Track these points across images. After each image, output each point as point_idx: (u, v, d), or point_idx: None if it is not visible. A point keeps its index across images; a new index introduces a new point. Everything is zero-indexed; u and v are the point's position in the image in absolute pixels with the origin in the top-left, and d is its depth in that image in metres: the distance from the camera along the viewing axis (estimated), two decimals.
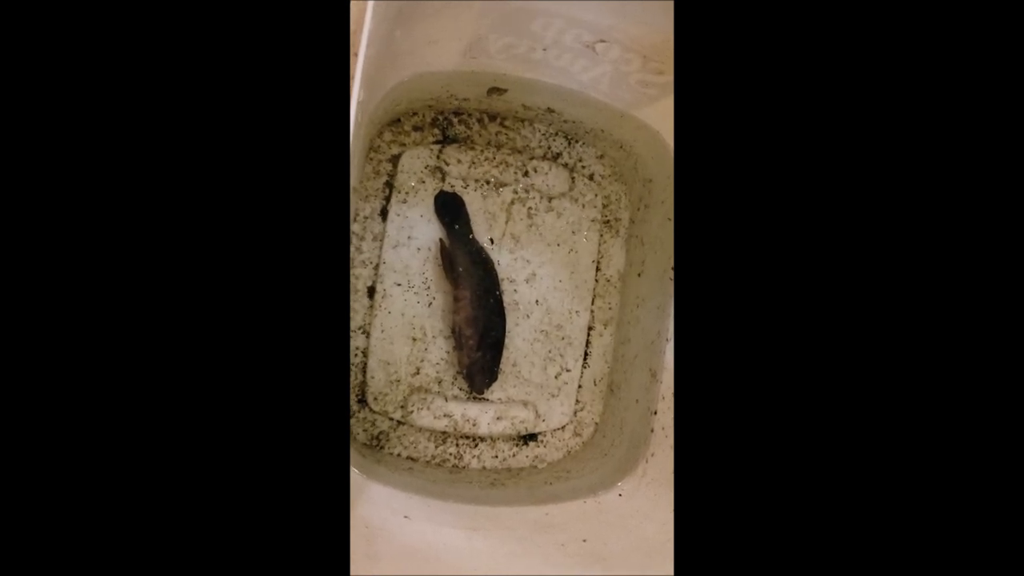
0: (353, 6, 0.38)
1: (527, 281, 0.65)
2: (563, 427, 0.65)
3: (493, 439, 0.63)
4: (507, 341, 0.64)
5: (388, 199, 0.63)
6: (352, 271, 0.62)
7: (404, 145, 0.64)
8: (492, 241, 0.65)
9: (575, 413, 0.65)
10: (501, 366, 0.63)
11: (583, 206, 0.66)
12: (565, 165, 0.66)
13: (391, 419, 0.62)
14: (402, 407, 0.62)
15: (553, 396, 0.65)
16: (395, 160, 0.64)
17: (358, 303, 0.62)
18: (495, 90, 0.61)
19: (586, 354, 0.66)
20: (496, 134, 0.66)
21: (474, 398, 0.63)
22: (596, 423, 0.65)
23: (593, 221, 0.66)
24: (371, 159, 0.63)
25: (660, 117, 0.58)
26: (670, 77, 0.53)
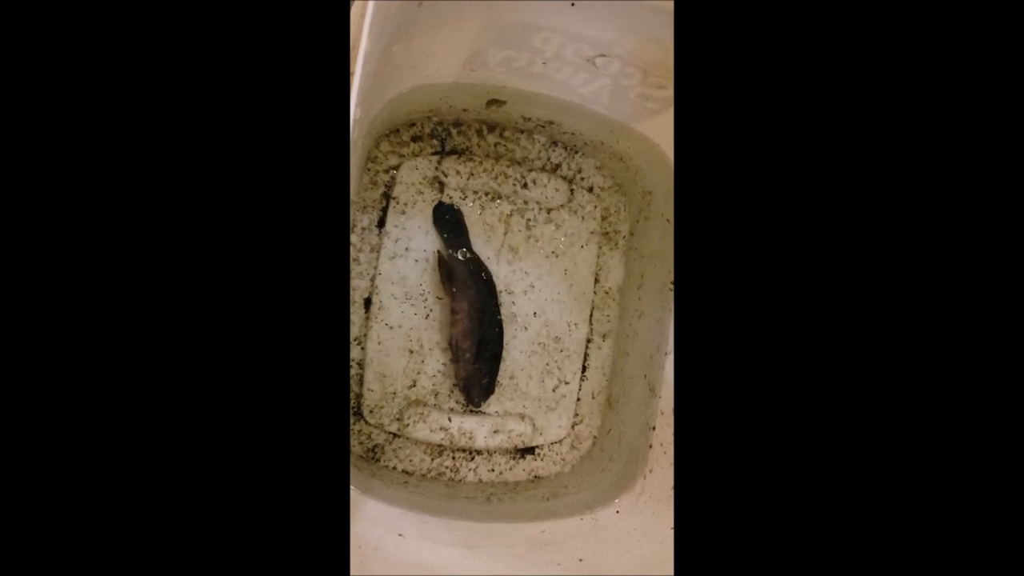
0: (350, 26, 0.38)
1: (525, 293, 0.65)
2: (560, 441, 0.64)
3: (490, 452, 0.63)
4: (504, 353, 0.63)
5: (386, 210, 0.63)
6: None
7: (403, 156, 0.64)
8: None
9: (573, 427, 0.65)
10: (498, 379, 0.63)
11: (582, 218, 0.66)
12: (564, 177, 0.66)
13: (387, 432, 0.61)
14: (398, 420, 0.61)
15: (551, 409, 0.64)
16: (393, 171, 0.63)
17: (354, 314, 0.62)
18: (494, 102, 0.61)
19: (584, 367, 0.65)
20: (495, 145, 0.65)
21: (471, 411, 0.63)
22: (594, 437, 0.65)
23: (592, 233, 0.66)
24: (369, 170, 0.63)
25: (660, 130, 0.58)
26: (670, 92, 0.53)
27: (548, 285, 0.65)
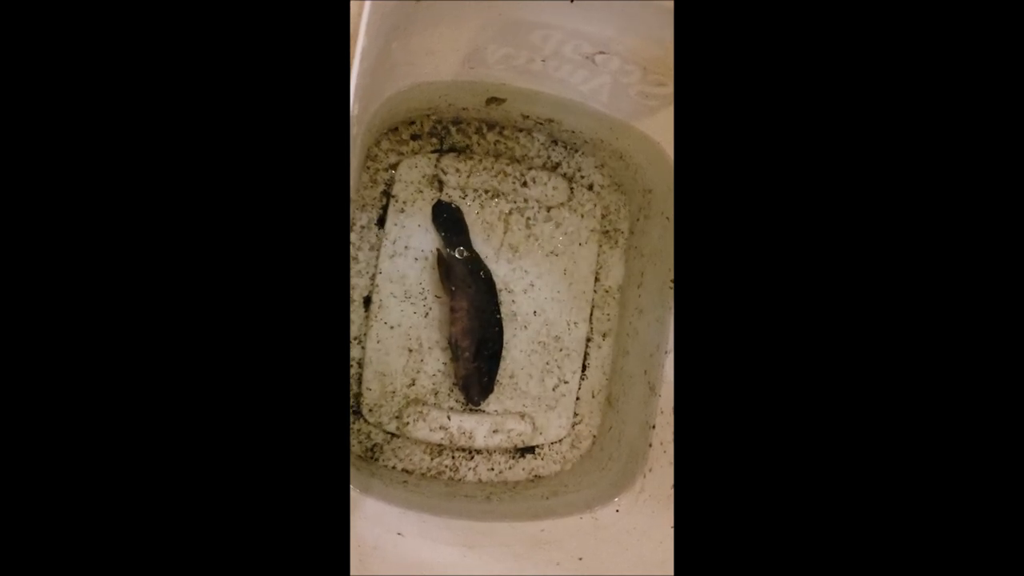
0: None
1: (525, 292, 0.64)
2: (560, 440, 0.64)
3: (489, 452, 0.63)
4: (504, 352, 0.63)
5: (385, 208, 0.63)
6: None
7: (402, 154, 0.64)
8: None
9: (572, 426, 0.65)
10: (498, 378, 0.63)
11: (582, 216, 0.66)
12: (564, 175, 0.66)
13: (386, 431, 0.61)
14: (397, 419, 0.61)
15: (550, 408, 0.64)
16: (393, 169, 0.63)
17: (354, 313, 0.62)
18: (494, 100, 0.60)
19: (584, 366, 0.65)
20: (495, 143, 0.65)
21: (470, 410, 0.63)
22: (594, 436, 0.65)
23: (592, 231, 0.66)
24: (368, 168, 0.63)
25: (661, 128, 0.58)
26: (670, 89, 0.53)
27: (548, 284, 0.65)
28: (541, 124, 0.64)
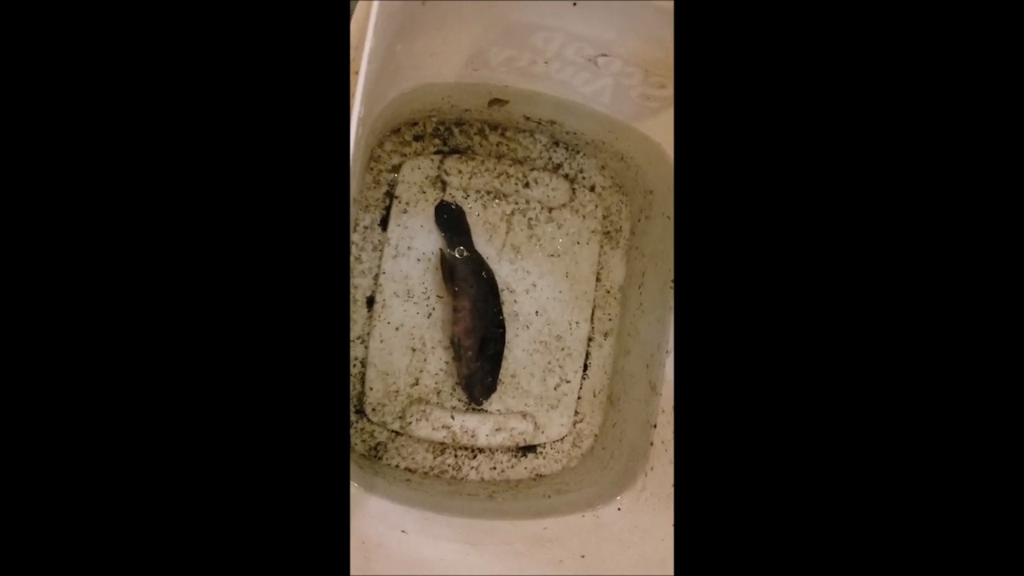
0: (353, 24, 0.38)
1: (527, 292, 0.65)
2: (562, 439, 0.65)
3: (492, 450, 0.63)
4: (506, 352, 0.63)
5: (388, 209, 0.63)
6: (351, 281, 0.62)
7: (405, 155, 0.64)
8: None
9: (574, 425, 0.65)
10: (500, 377, 0.63)
11: (583, 217, 0.66)
12: (566, 176, 0.66)
13: (389, 430, 0.62)
14: (400, 418, 0.62)
15: (552, 407, 0.64)
16: (396, 170, 0.64)
17: (357, 313, 0.62)
18: (496, 101, 0.61)
19: (586, 365, 0.65)
20: (497, 145, 0.66)
21: (473, 409, 0.63)
22: (595, 435, 0.65)
23: (593, 232, 0.66)
24: (371, 169, 0.63)
25: (662, 129, 0.58)
26: (671, 91, 0.53)
27: (549, 284, 0.65)
28: (543, 126, 0.64)
